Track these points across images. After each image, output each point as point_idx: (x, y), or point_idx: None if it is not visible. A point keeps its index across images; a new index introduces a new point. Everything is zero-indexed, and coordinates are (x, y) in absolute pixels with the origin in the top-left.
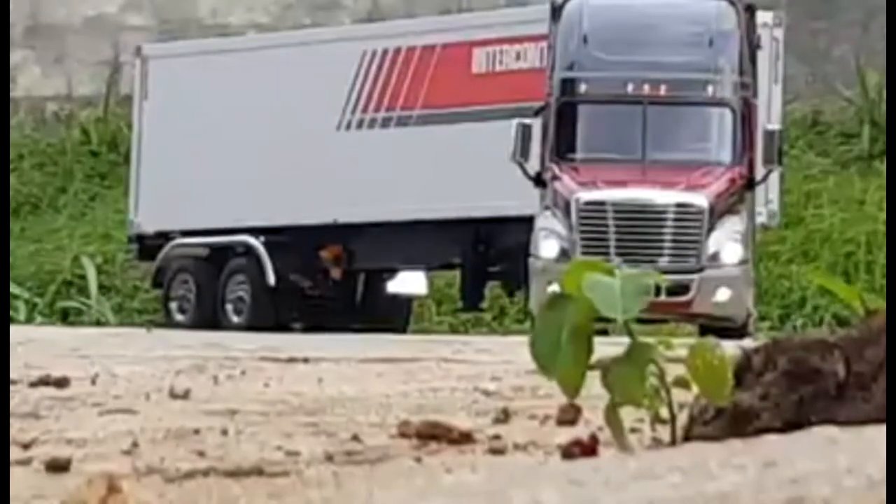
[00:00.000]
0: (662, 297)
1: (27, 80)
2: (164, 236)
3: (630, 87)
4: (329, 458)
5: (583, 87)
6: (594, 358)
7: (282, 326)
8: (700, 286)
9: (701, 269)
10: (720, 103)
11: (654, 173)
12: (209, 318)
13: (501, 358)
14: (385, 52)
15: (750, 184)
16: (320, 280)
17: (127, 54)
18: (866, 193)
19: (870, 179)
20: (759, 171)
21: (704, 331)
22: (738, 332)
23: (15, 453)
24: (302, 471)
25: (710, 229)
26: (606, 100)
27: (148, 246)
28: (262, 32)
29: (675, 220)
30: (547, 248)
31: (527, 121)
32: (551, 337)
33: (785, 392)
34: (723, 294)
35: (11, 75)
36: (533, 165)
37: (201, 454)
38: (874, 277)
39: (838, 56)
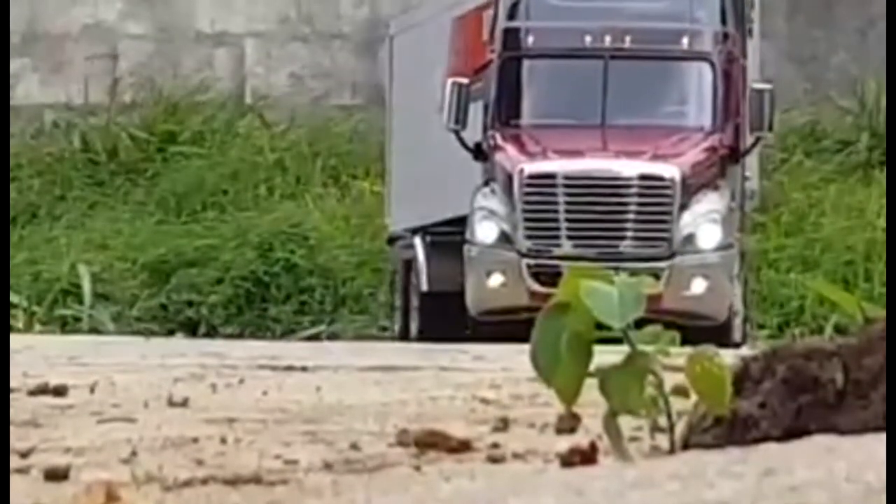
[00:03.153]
0: None
1: (25, 88)
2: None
3: (588, 39)
4: (327, 466)
5: (531, 39)
6: (592, 365)
7: (453, 338)
8: (671, 276)
9: (671, 256)
10: (698, 57)
11: (617, 141)
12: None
13: (500, 366)
14: None
15: (734, 154)
16: None
17: (126, 62)
18: (866, 202)
19: (869, 188)
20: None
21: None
22: (720, 333)
23: (14, 461)
24: (300, 479)
25: (683, 207)
26: (559, 54)
27: None
28: (261, 41)
29: (640, 195)
30: (484, 231)
31: (463, 79)
32: (551, 345)
33: (784, 400)
34: (698, 286)
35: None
36: (473, 134)
37: (200, 462)
38: (873, 286)
39: (837, 64)
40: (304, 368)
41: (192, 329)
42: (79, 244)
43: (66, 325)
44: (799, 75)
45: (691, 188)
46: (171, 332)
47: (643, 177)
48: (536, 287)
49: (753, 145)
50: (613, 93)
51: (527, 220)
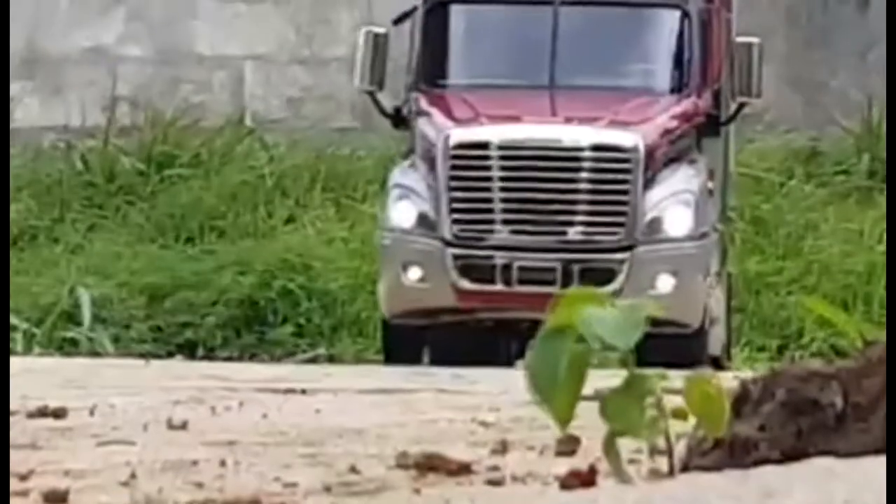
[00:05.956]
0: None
1: (25, 111)
2: None
3: None
4: (327, 489)
5: None
6: (593, 389)
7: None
8: (631, 271)
9: (632, 246)
10: (668, 4)
11: (568, 104)
12: None
13: (498, 389)
14: None
15: (713, 123)
16: None
17: (124, 85)
18: (865, 225)
19: (868, 210)
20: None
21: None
22: (693, 344)
23: (13, 484)
24: (300, 502)
25: (648, 185)
26: None
27: None
28: (261, 64)
29: (594, 170)
30: (399, 214)
31: (379, 29)
32: (549, 369)
33: (783, 423)
34: (665, 283)
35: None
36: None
37: (199, 485)
38: (872, 308)
39: (836, 86)
40: (303, 391)
41: (191, 352)
42: (78, 266)
43: (65, 348)
44: (798, 98)
45: (658, 162)
46: (170, 355)
47: (597, 147)
48: (465, 284)
49: (737, 112)
50: (565, 47)
51: (453, 200)
